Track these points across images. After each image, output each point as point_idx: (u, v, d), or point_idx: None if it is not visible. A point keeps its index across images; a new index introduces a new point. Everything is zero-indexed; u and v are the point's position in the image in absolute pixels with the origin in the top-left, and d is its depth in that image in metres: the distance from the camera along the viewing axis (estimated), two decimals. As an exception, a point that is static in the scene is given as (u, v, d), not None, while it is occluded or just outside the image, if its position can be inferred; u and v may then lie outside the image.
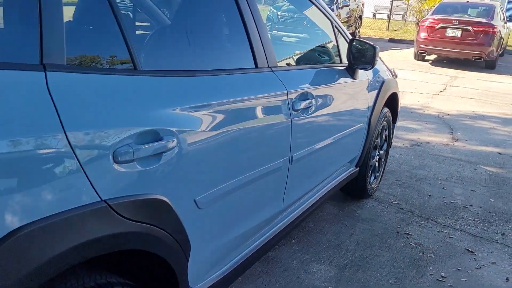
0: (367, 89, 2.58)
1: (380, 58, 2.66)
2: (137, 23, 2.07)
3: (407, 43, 13.47)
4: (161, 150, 1.13)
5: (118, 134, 1.02)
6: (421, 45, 9.65)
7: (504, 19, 10.54)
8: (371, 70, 2.51)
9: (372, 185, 3.10)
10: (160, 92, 1.20)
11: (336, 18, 2.39)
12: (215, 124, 1.34)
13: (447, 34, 9.33)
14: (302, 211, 2.11)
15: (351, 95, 2.38)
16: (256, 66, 1.65)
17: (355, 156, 2.70)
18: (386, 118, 3.02)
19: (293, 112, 1.76)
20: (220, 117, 1.37)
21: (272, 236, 1.88)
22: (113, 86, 1.07)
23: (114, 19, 1.12)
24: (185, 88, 1.29)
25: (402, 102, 5.12)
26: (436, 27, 9.44)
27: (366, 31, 15.86)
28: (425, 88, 7.25)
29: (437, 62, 10.13)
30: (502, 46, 10.59)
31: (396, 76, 3.32)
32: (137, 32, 1.97)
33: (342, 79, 2.28)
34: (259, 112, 1.57)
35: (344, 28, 2.47)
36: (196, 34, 1.49)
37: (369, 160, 2.89)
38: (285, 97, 1.72)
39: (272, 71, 1.72)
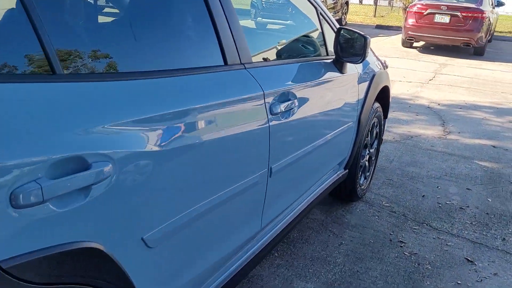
0: (356, 84, 2.32)
1: (370, 48, 2.39)
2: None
3: (395, 29, 13.24)
4: (89, 182, 0.85)
5: (18, 167, 0.73)
6: (409, 32, 9.41)
7: (492, 4, 10.34)
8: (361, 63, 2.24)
9: (362, 187, 2.85)
10: (91, 102, 0.90)
11: (321, 5, 2.10)
12: (170, 139, 1.06)
13: (435, 20, 9.10)
14: (285, 225, 1.85)
15: (339, 92, 2.11)
16: (226, 63, 1.36)
17: (344, 158, 2.45)
18: (377, 114, 2.77)
19: (271, 116, 1.48)
20: (175, 130, 1.08)
21: (251, 258, 1.62)
22: (15, 99, 0.78)
23: (21, 5, 0.82)
24: (128, 96, 1.00)
25: (391, 92, 4.89)
26: (424, 13, 9.20)
27: (353, 17, 15.58)
28: (414, 76, 7.03)
29: (425, 49, 9.92)
30: (491, 32, 10.41)
31: (387, 67, 3.07)
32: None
33: (329, 74, 2.00)
34: (228, 120, 1.29)
35: (331, 15, 2.19)
36: (145, 24, 1.19)
37: (359, 160, 2.64)
38: (261, 100, 1.44)
39: (245, 68, 1.44)
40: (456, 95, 5.99)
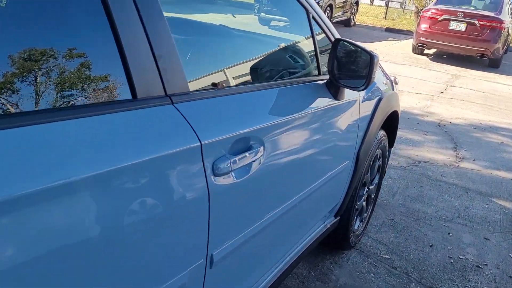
0: (356, 112, 1.76)
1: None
2: None
3: (405, 33, 12.63)
4: None
5: None
6: (421, 38, 8.80)
7: (511, 14, 9.72)
8: (364, 86, 1.68)
9: (357, 232, 2.31)
10: None
11: (315, 4, 1.54)
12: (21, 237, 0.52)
13: (450, 27, 8.49)
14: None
15: (331, 126, 1.56)
16: (134, 96, 0.82)
17: (335, 205, 1.90)
18: (381, 145, 2.22)
19: (213, 178, 0.94)
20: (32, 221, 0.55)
21: None
22: None
23: None
24: None
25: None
26: (439, 19, 8.60)
27: (362, 18, 14.98)
28: (424, 87, 6.46)
29: (436, 57, 9.32)
30: (508, 43, 9.80)
31: (397, 84, 2.52)
32: None
33: (319, 102, 1.45)
34: (129, 194, 0.75)
35: (328, 20, 1.63)
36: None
37: (354, 203, 2.09)
38: (196, 156, 0.89)
39: (172, 103, 0.89)
40: (469, 112, 5.42)
